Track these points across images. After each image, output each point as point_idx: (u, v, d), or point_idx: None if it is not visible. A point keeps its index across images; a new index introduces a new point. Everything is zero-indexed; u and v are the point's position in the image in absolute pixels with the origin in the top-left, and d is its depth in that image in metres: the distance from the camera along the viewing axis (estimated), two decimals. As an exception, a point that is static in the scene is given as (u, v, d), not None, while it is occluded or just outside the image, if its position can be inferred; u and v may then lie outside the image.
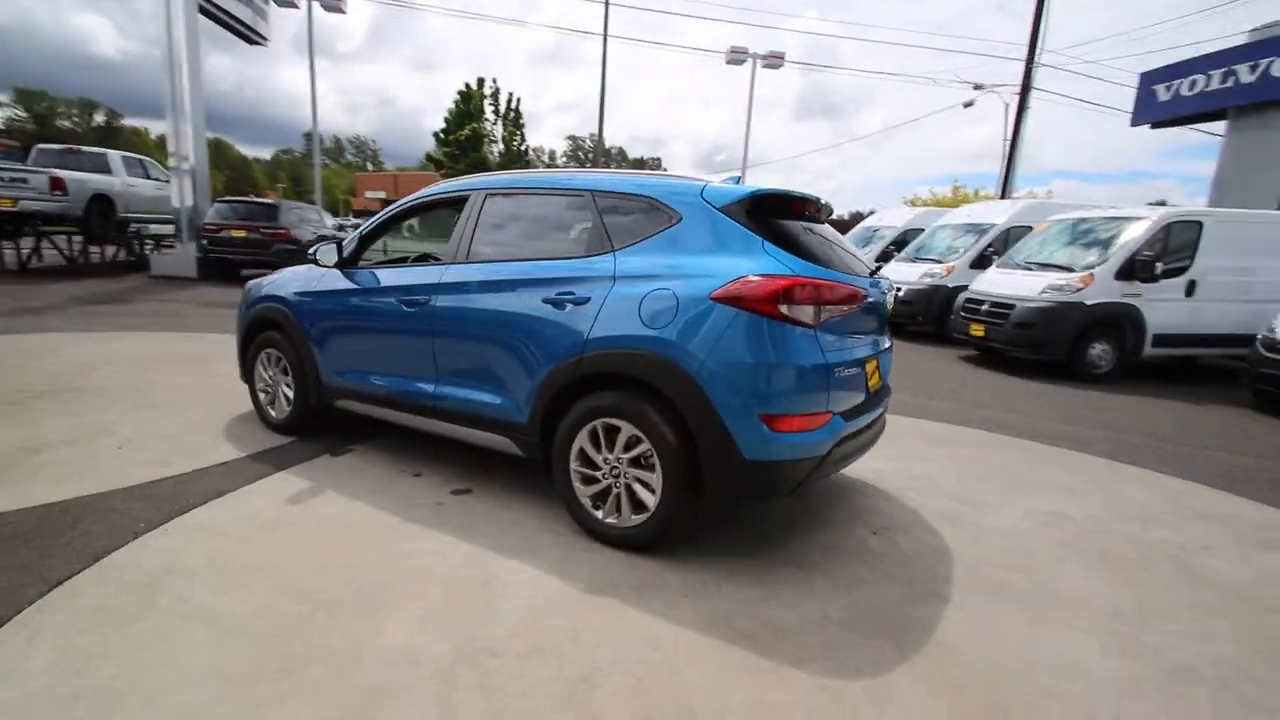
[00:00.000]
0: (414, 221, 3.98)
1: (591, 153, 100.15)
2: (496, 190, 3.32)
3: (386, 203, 44.96)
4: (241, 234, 11.99)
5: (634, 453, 2.71)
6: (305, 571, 2.52)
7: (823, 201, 3.05)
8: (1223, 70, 15.70)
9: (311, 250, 3.92)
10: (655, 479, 2.66)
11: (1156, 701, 2.04)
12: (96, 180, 11.76)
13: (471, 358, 3.19)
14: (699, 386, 2.49)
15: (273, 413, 4.20)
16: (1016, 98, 21.18)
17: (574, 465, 2.89)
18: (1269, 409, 6.67)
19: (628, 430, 2.71)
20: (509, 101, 29.85)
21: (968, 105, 22.84)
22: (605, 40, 21.31)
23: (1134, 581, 2.85)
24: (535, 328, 2.93)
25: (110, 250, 13.51)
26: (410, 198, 3.71)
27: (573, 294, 2.83)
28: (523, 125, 30.25)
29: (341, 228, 16.59)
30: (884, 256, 13.02)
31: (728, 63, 20.06)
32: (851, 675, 2.07)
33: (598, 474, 2.84)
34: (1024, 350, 7.77)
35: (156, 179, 13.71)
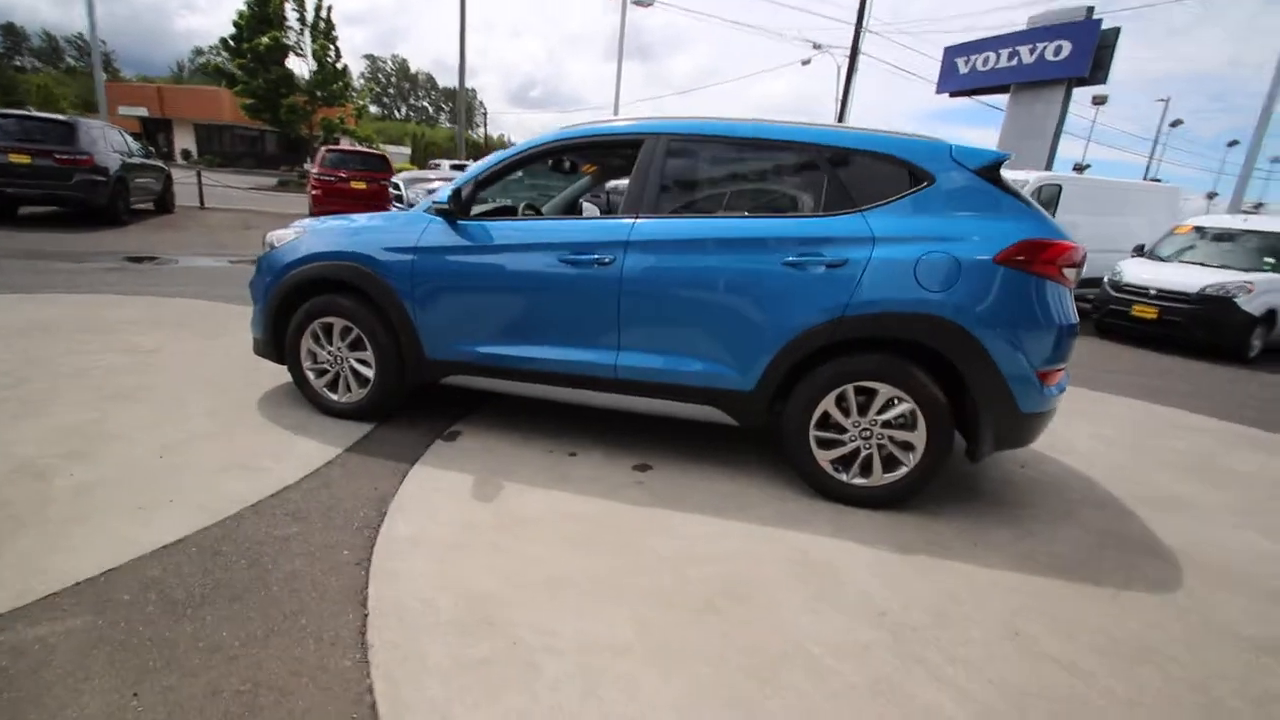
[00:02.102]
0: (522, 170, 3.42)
1: (394, 76, 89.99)
2: (683, 136, 2.98)
3: (149, 121, 36.25)
4: (25, 160, 9.05)
5: (891, 414, 2.75)
6: (627, 574, 2.23)
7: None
8: (1009, 50, 18.56)
9: (414, 202, 3.20)
10: (917, 437, 2.73)
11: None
12: None
13: (676, 324, 2.91)
14: (983, 348, 2.59)
15: (334, 396, 3.44)
16: (847, 60, 23.17)
17: (814, 432, 2.85)
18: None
19: (887, 392, 2.73)
20: (318, 8, 25.41)
21: (805, 63, 24.52)
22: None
23: None
24: (774, 291, 2.76)
25: None
26: (549, 137, 3.16)
27: (822, 255, 2.71)
28: (335, 39, 25.93)
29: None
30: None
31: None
32: (1157, 588, 2.42)
33: (843, 437, 2.84)
34: (1200, 333, 7.62)
35: None
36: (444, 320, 3.19)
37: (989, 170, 2.72)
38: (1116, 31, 16.13)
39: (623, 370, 3.01)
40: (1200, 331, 7.52)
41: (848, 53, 23.02)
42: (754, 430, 2.99)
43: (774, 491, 2.98)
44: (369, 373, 3.35)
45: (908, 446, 2.78)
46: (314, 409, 3.48)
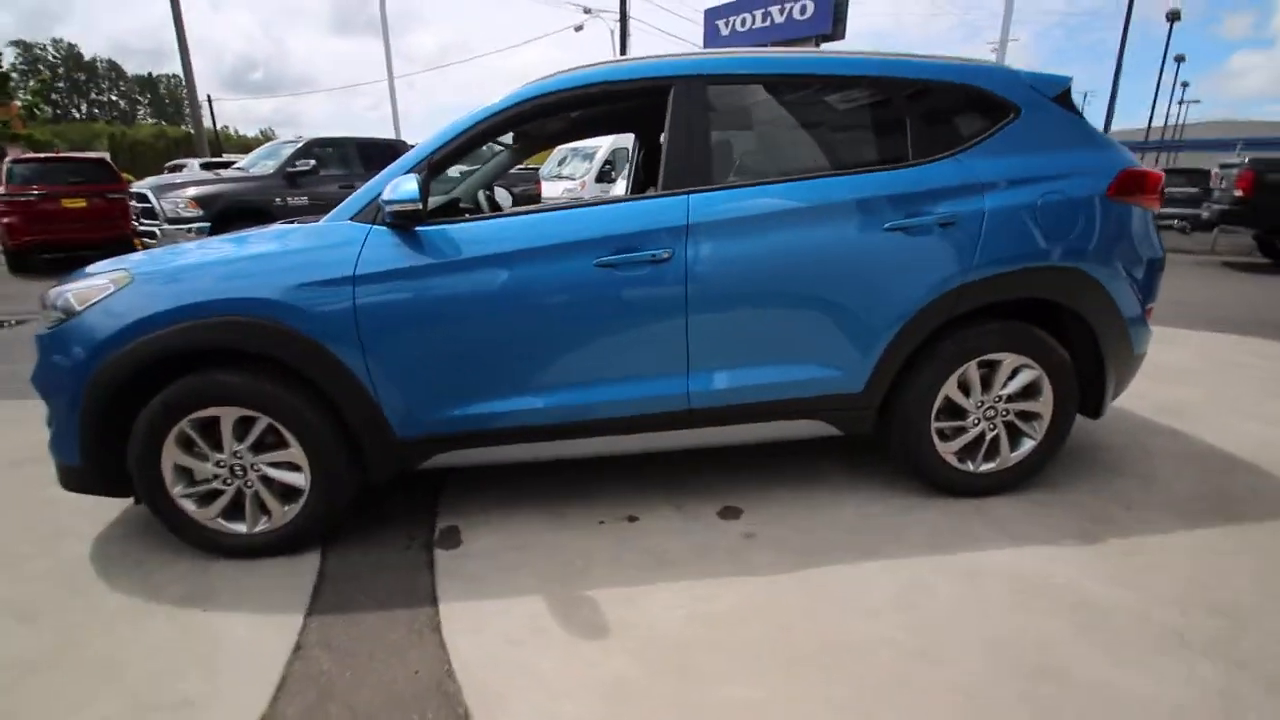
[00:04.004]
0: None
1: (62, 66, 71.33)
2: (727, 77, 2.24)
3: None
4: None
5: (1015, 385, 2.39)
6: (870, 688, 1.56)
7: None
8: (762, 10, 19.78)
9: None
10: (1043, 405, 2.41)
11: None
12: None
13: (761, 325, 2.22)
14: (1109, 294, 2.31)
15: (238, 527, 2.19)
16: (618, 24, 23.18)
17: (935, 423, 2.39)
18: None
19: (1012, 362, 2.35)
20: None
21: (579, 29, 24.00)
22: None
23: None
24: (879, 266, 2.21)
25: None
26: (534, 90, 2.18)
27: (930, 213, 2.20)
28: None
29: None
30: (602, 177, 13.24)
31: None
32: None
33: (965, 423, 2.42)
34: None
35: None
36: (421, 378, 2.13)
37: (1064, 97, 2.42)
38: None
39: (698, 398, 2.25)
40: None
41: (617, 18, 22.95)
42: (862, 437, 2.44)
43: (887, 502, 2.49)
44: (298, 480, 2.16)
45: (1031, 417, 2.45)
46: (203, 554, 2.19)
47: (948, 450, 2.44)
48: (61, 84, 71.57)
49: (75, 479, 2.15)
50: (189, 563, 2.16)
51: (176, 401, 2.03)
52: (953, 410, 2.42)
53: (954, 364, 2.33)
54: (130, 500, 2.30)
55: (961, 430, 2.44)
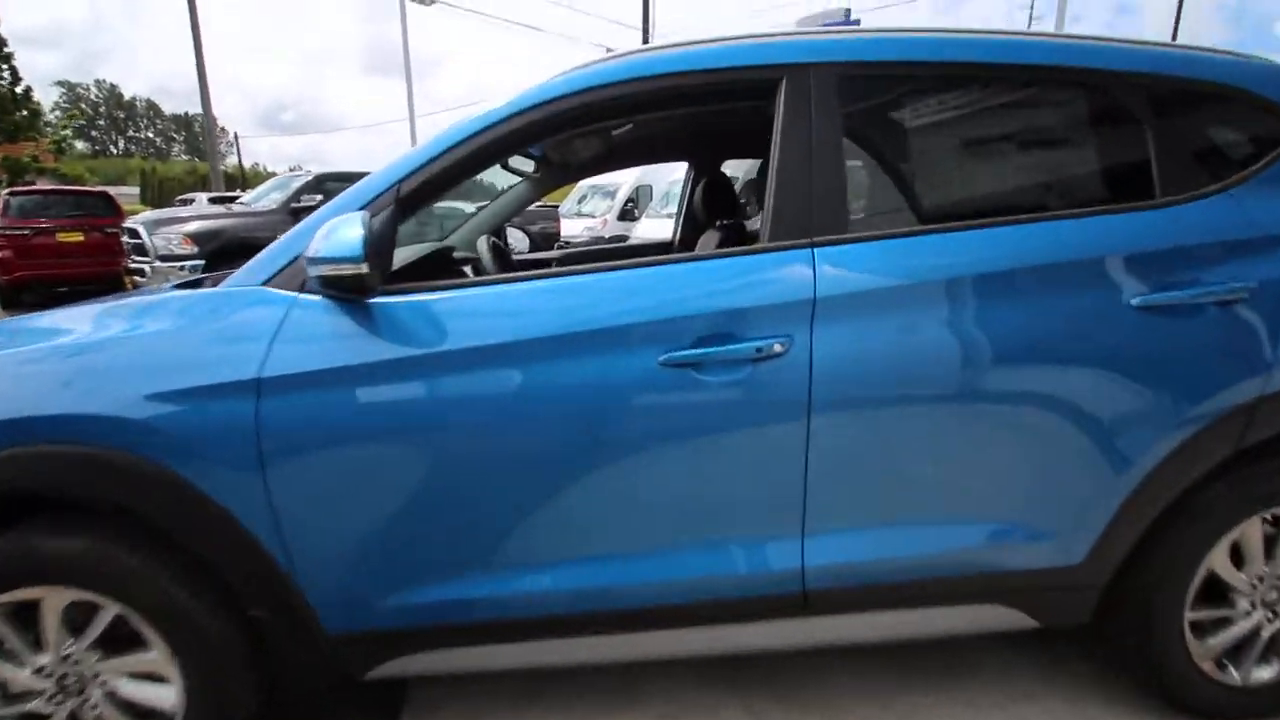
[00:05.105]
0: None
1: (103, 105, 74.00)
2: (874, 66, 1.42)
3: None
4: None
5: (1316, 550, 1.50)
6: None
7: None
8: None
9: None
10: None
11: None
12: None
13: (929, 462, 1.37)
14: None
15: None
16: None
17: (1189, 612, 1.50)
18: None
19: (1313, 516, 1.47)
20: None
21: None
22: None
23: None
24: (1124, 365, 1.36)
25: None
26: (562, 87, 1.38)
27: (1202, 281, 1.36)
28: (9, 56, 19.59)
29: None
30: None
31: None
32: None
33: (1233, 610, 1.53)
34: None
35: None
36: (367, 545, 1.30)
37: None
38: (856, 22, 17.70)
39: (819, 575, 1.38)
40: None
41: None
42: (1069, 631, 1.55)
43: (1083, 714, 1.58)
44: (164, 699, 1.32)
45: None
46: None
47: (1205, 652, 1.53)
48: (101, 121, 74.20)
49: None
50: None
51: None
52: (1214, 591, 1.52)
53: (1230, 521, 1.45)
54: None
55: (1227, 621, 1.54)
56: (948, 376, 1.33)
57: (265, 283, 1.29)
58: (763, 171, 1.85)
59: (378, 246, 1.16)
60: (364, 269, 1.14)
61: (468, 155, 1.34)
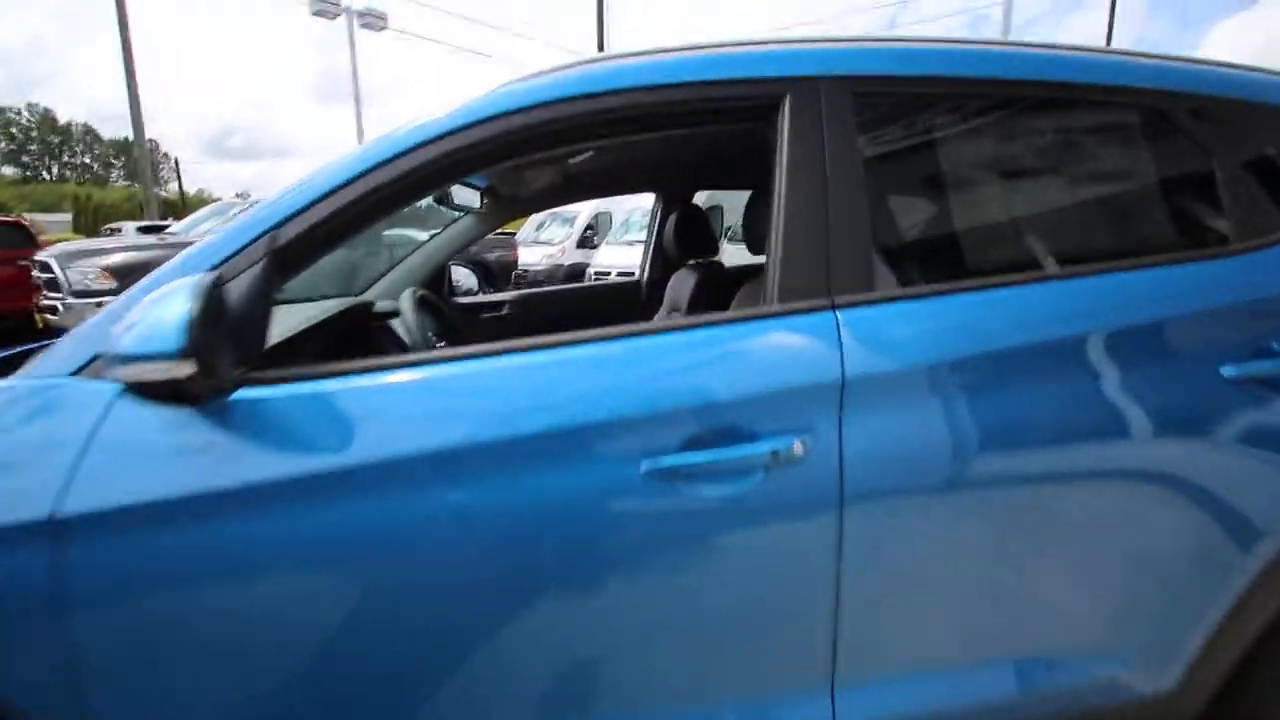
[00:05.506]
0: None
1: (35, 129, 70.48)
2: (886, 81, 1.13)
3: None
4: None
5: None
6: None
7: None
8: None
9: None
10: None
11: None
12: None
13: (989, 585, 1.06)
14: None
15: None
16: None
17: (1295, 745, 1.22)
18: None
19: None
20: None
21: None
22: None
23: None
24: (1216, 449, 1.09)
25: None
26: (476, 109, 1.04)
27: (1298, 345, 1.10)
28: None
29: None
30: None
31: (313, 13, 15.69)
32: None
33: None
34: None
35: None
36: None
37: None
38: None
39: (848, 731, 1.05)
40: None
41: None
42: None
43: None
44: None
45: None
46: None
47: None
48: (33, 146, 70.69)
49: None
50: None
51: None
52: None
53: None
54: None
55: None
56: (1014, 476, 1.03)
57: (76, 372, 0.91)
58: (752, 205, 1.55)
59: (219, 329, 0.79)
60: (183, 369, 0.77)
61: (373, 194, 0.99)
